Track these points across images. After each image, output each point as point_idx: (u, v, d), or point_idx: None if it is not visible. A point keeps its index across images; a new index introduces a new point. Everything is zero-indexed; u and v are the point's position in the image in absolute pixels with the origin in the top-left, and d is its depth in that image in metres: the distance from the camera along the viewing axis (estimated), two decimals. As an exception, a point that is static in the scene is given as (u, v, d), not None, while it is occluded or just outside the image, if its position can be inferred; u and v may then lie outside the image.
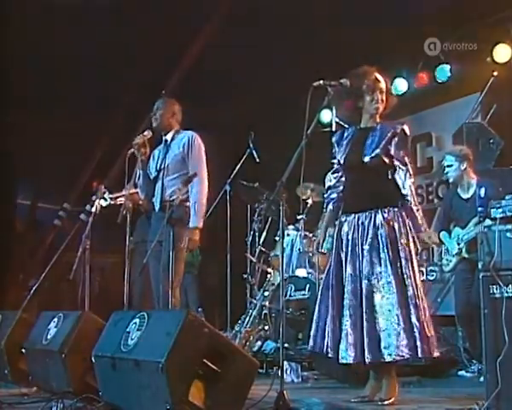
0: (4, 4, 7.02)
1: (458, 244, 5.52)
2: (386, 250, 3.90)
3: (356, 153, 4.08)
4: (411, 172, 4.02)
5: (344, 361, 3.88)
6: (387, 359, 3.77)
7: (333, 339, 3.95)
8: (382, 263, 3.89)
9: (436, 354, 3.85)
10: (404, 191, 3.96)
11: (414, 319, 3.80)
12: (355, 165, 4.08)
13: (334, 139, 4.27)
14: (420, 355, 3.78)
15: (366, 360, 3.80)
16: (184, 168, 4.82)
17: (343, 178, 4.23)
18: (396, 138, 4.00)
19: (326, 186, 4.40)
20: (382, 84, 4.10)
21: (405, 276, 3.87)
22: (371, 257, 3.91)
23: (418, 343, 3.76)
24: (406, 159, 4.01)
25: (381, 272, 3.88)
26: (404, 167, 3.98)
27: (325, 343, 3.98)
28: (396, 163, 3.98)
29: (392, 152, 3.98)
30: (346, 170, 4.18)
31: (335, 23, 6.93)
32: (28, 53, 7.49)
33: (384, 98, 4.10)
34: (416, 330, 3.78)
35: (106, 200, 5.12)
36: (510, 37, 6.71)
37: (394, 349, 3.75)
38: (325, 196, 4.37)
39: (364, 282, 3.90)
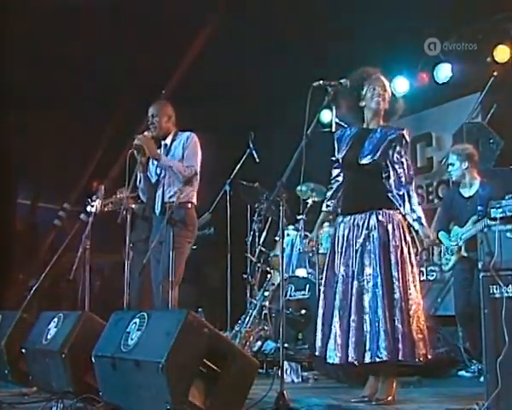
0: (4, 4, 7.02)
1: (457, 243, 5.52)
2: (377, 252, 3.90)
3: (354, 153, 4.09)
4: (414, 186, 4.03)
5: (331, 361, 3.90)
6: (367, 360, 3.78)
7: (322, 339, 3.97)
8: (372, 265, 3.89)
9: (422, 358, 3.83)
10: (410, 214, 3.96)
11: (398, 323, 3.80)
12: (352, 165, 4.10)
13: (335, 136, 4.27)
14: (401, 358, 3.77)
15: (350, 361, 3.81)
16: None
17: (340, 177, 4.25)
18: (396, 145, 4.01)
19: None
20: (385, 83, 4.11)
21: (394, 279, 3.87)
22: (362, 258, 3.93)
23: (400, 346, 3.76)
24: (407, 170, 4.00)
25: (370, 274, 3.88)
26: (405, 188, 3.97)
27: (316, 343, 4.00)
28: (396, 174, 3.99)
29: (391, 159, 3.99)
30: (344, 169, 4.20)
31: (335, 23, 6.94)
32: (28, 53, 7.49)
33: (386, 96, 4.10)
34: (398, 333, 3.78)
35: (92, 206, 5.10)
36: (510, 37, 6.71)
37: (375, 351, 3.75)
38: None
39: (355, 283, 3.91)
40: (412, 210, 3.96)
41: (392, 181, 3.99)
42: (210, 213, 7.03)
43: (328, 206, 4.30)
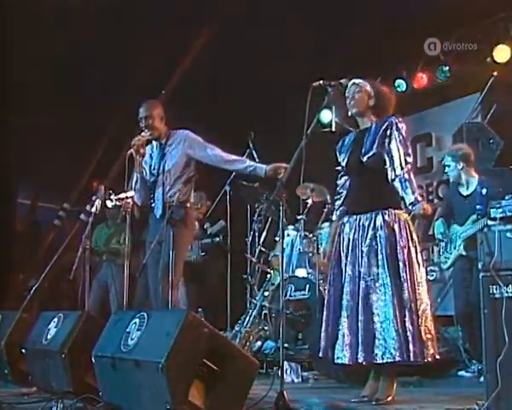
0: (4, 4, 7.02)
1: (454, 240, 5.53)
2: (384, 252, 3.89)
3: (355, 154, 4.10)
4: (408, 164, 3.95)
5: (339, 361, 3.90)
6: (379, 360, 3.78)
7: (328, 339, 3.98)
8: (380, 265, 3.88)
9: (430, 358, 3.84)
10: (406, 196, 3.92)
11: (408, 323, 3.80)
12: (355, 166, 4.10)
13: (337, 147, 4.29)
14: (412, 359, 3.77)
15: (359, 361, 3.81)
16: (185, 169, 4.78)
17: (347, 184, 4.24)
18: (389, 131, 3.98)
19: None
20: (359, 84, 4.09)
21: (402, 279, 3.86)
22: (369, 258, 3.92)
23: (411, 347, 3.76)
24: (402, 151, 3.94)
25: (378, 274, 3.88)
26: (400, 171, 3.93)
27: (322, 344, 4.01)
28: (391, 160, 3.95)
29: (387, 148, 3.97)
30: (348, 172, 4.20)
31: (336, 23, 6.94)
32: (28, 53, 7.49)
33: (364, 96, 4.07)
34: (409, 333, 3.78)
35: (112, 201, 5.07)
36: (510, 37, 6.72)
37: (386, 352, 3.75)
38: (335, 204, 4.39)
39: (362, 283, 3.90)
40: (406, 194, 3.91)
41: (389, 170, 3.97)
42: (223, 222, 7.04)
43: (338, 213, 4.27)
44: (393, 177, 3.96)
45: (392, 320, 3.78)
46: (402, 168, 3.94)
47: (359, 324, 3.84)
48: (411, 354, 3.76)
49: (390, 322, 3.78)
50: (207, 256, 7.31)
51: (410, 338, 3.77)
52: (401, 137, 3.98)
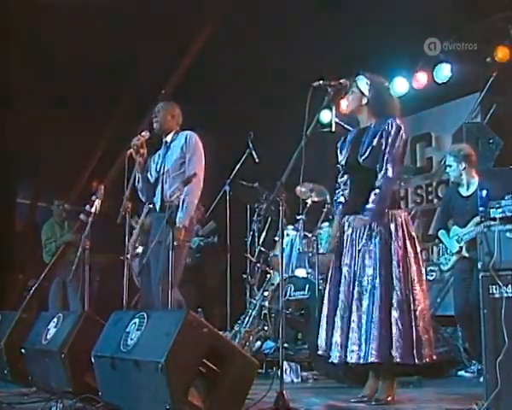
0: (4, 4, 7.02)
1: (458, 243, 5.51)
2: (377, 253, 3.89)
3: (354, 154, 4.09)
4: (398, 171, 3.96)
5: (332, 361, 3.92)
6: (362, 361, 3.78)
7: (325, 338, 3.99)
8: (373, 265, 3.88)
9: (427, 359, 3.83)
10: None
11: (399, 324, 3.78)
12: (353, 166, 4.10)
13: (338, 145, 4.29)
14: (398, 360, 3.76)
15: (348, 361, 3.82)
16: (183, 169, 4.79)
17: (348, 182, 4.23)
18: (385, 133, 3.95)
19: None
20: (357, 83, 4.09)
21: (396, 279, 3.86)
22: (363, 259, 3.92)
23: (398, 348, 3.75)
24: (395, 158, 3.93)
25: (371, 275, 3.88)
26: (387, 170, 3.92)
27: (320, 342, 4.03)
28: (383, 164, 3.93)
29: (381, 147, 3.94)
30: (347, 171, 4.19)
31: (335, 23, 6.94)
32: (28, 53, 7.49)
33: (358, 95, 4.07)
34: (397, 335, 3.77)
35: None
36: (510, 37, 6.71)
37: (372, 352, 3.75)
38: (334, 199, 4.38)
39: (356, 283, 3.91)
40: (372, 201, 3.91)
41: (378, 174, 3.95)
42: (214, 222, 7.05)
43: (339, 209, 4.26)
44: (376, 184, 3.94)
45: (377, 322, 3.77)
46: (382, 177, 3.92)
47: (351, 324, 3.85)
48: (398, 357, 3.74)
49: (377, 323, 3.77)
50: (202, 257, 7.33)
51: (399, 340, 3.76)
52: (395, 142, 3.93)
